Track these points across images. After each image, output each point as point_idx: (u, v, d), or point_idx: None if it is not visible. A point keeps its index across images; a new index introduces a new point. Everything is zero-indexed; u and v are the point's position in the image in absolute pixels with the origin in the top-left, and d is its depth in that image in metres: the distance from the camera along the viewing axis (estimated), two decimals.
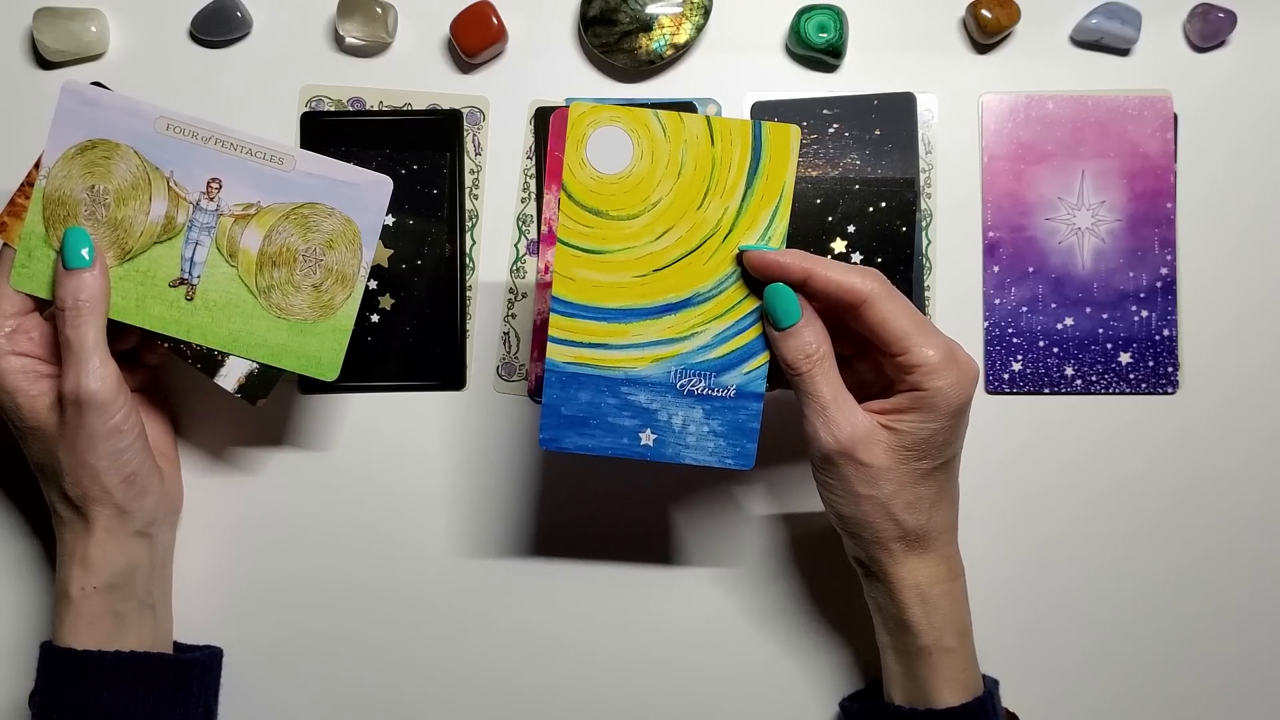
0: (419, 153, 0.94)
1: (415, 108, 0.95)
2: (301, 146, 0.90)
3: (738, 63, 0.96)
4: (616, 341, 0.76)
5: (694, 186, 0.74)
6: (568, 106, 0.93)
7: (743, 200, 0.74)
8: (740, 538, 0.95)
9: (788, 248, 0.75)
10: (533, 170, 0.95)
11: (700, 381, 0.77)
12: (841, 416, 0.75)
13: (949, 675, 0.81)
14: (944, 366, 0.74)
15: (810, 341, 0.74)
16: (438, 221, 0.94)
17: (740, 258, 0.75)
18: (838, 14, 0.93)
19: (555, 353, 0.76)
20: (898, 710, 0.83)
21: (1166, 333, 0.94)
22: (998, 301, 0.95)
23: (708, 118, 0.74)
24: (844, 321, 0.76)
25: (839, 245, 0.93)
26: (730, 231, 0.75)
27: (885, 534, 0.78)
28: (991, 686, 0.85)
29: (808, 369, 0.75)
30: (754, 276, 0.75)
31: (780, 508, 0.95)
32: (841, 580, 0.91)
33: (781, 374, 0.77)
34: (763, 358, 0.76)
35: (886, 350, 0.75)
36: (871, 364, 0.80)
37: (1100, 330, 0.94)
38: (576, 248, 0.75)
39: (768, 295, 0.75)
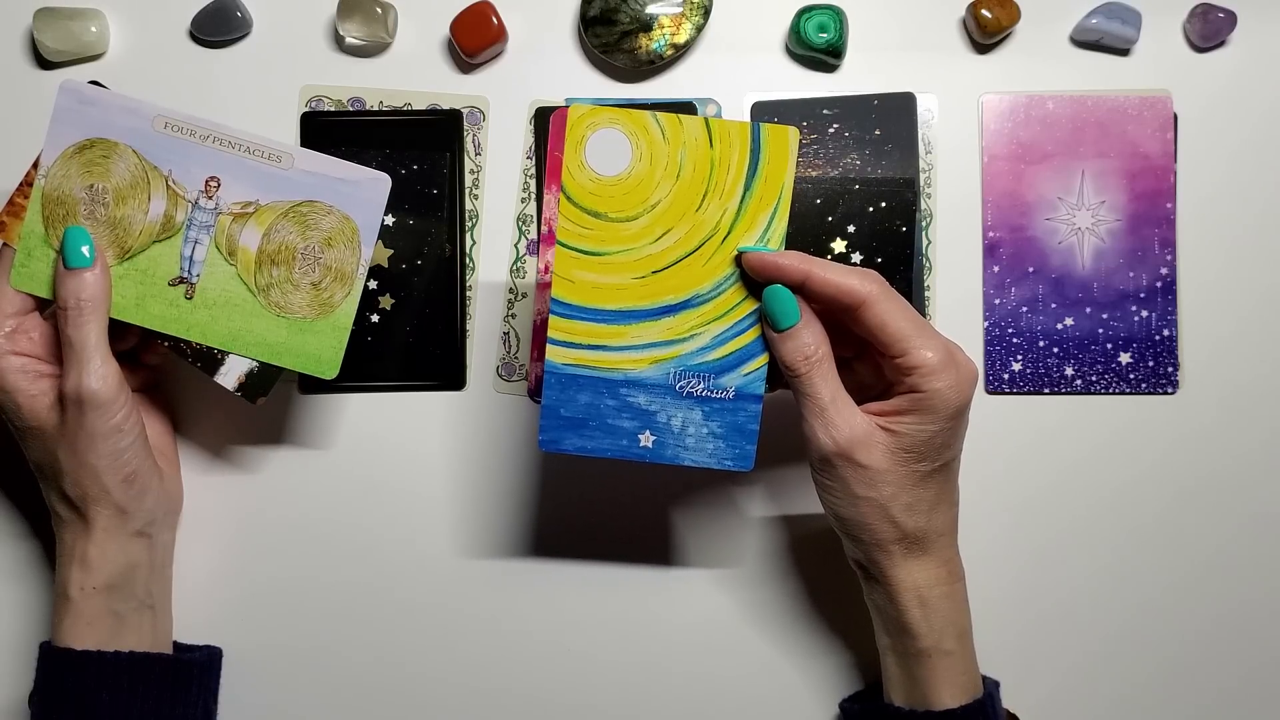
0: (419, 153, 0.94)
1: (415, 108, 0.95)
2: (302, 146, 0.90)
3: (738, 63, 0.96)
4: (616, 343, 0.76)
5: (693, 188, 0.74)
6: (567, 107, 0.93)
7: (741, 202, 0.74)
8: (740, 539, 0.95)
9: (786, 249, 0.75)
10: (533, 170, 0.95)
11: (699, 383, 0.77)
12: (840, 418, 0.75)
13: (949, 677, 0.81)
14: (943, 368, 0.74)
15: (809, 343, 0.74)
16: (438, 221, 0.94)
17: (739, 259, 0.75)
18: (838, 14, 0.93)
19: (555, 354, 0.76)
20: (897, 711, 0.83)
21: (1166, 333, 0.94)
22: (998, 301, 0.94)
23: (706, 119, 0.74)
24: (843, 323, 0.76)
25: (839, 245, 0.93)
26: (729, 233, 0.75)
27: (884, 536, 0.78)
28: (992, 688, 0.85)
29: (806, 370, 0.74)
30: (753, 278, 0.75)
31: (779, 509, 0.95)
32: (841, 582, 0.91)
33: (780, 375, 0.77)
34: (762, 359, 0.76)
35: (885, 352, 0.74)
36: (871, 366, 0.80)
37: (1100, 330, 0.94)
38: (575, 249, 0.75)
39: (766, 297, 0.74)
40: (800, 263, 0.73)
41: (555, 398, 0.77)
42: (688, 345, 0.76)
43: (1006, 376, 0.95)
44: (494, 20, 0.93)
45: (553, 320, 0.76)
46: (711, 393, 0.77)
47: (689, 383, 0.77)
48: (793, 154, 0.74)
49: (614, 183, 0.75)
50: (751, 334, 0.76)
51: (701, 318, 0.76)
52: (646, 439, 0.77)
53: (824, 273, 0.73)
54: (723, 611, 0.95)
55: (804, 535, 0.94)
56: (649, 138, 0.74)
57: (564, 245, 0.75)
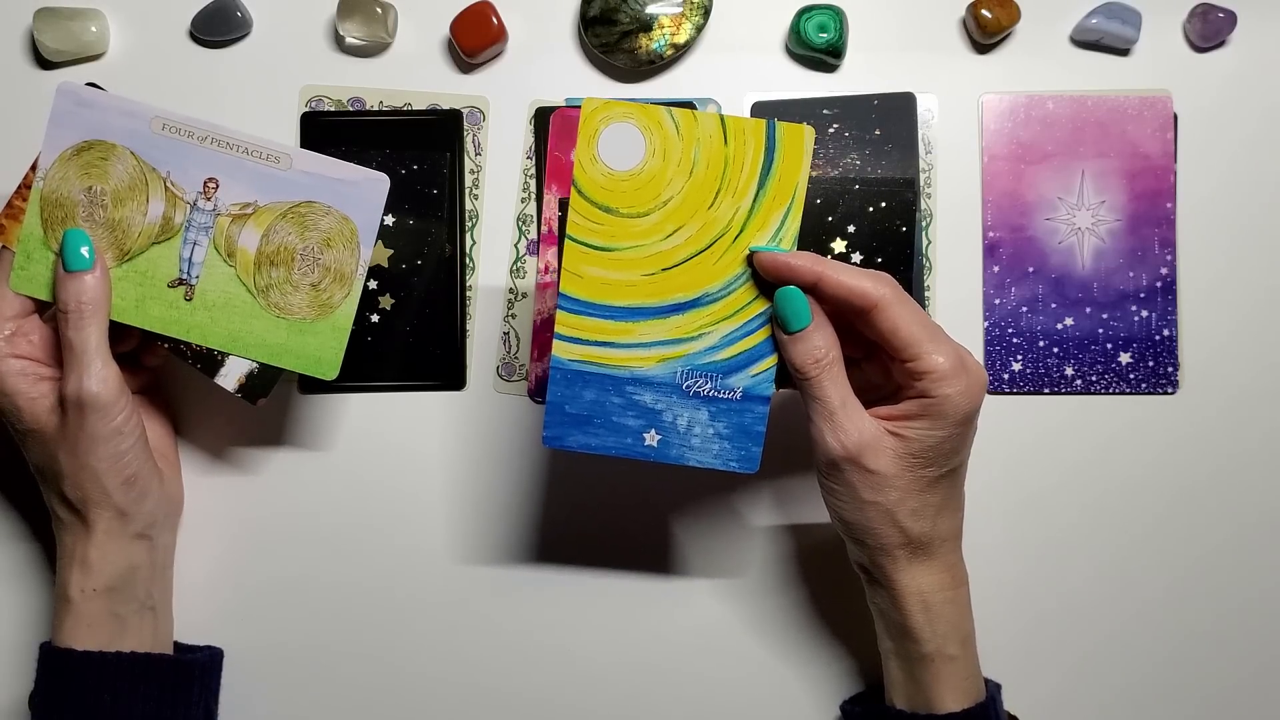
0: (419, 153, 0.94)
1: (415, 108, 0.94)
2: (302, 147, 0.89)
3: (738, 63, 0.96)
4: (623, 340, 0.76)
5: (706, 185, 0.74)
6: (567, 107, 0.93)
7: (754, 200, 0.74)
8: (743, 547, 0.95)
9: (798, 250, 0.75)
10: (533, 170, 0.95)
11: (707, 383, 0.76)
12: (849, 422, 0.74)
13: (951, 682, 0.81)
14: (954, 374, 0.73)
15: (820, 346, 0.74)
16: (438, 221, 0.94)
17: (751, 259, 0.75)
18: (838, 14, 0.93)
19: (561, 350, 0.76)
20: (899, 714, 0.83)
21: (1166, 333, 0.94)
22: (998, 301, 0.95)
23: (721, 116, 0.74)
24: (853, 325, 0.76)
25: (839, 245, 0.93)
26: (741, 232, 0.75)
27: (889, 541, 0.78)
28: (994, 691, 0.85)
29: (816, 374, 0.74)
30: (764, 278, 0.75)
31: (783, 517, 0.95)
32: (843, 588, 0.91)
33: (788, 375, 0.76)
34: (770, 360, 0.76)
35: (896, 356, 0.74)
36: (880, 368, 0.80)
37: (1100, 330, 0.94)
38: (585, 244, 0.75)
39: (778, 298, 0.74)
40: (813, 264, 0.73)
41: (560, 394, 0.77)
42: (696, 344, 0.76)
43: (1006, 376, 0.95)
44: (494, 20, 0.93)
45: (560, 315, 0.76)
46: (719, 393, 0.76)
47: (696, 382, 0.76)
48: (808, 153, 0.74)
49: (626, 178, 0.74)
50: (761, 334, 0.76)
51: (711, 317, 0.76)
52: (652, 438, 0.77)
53: (837, 275, 0.73)
54: (723, 617, 0.94)
55: (807, 544, 0.94)
56: (663, 133, 0.74)
57: (574, 240, 0.75)
